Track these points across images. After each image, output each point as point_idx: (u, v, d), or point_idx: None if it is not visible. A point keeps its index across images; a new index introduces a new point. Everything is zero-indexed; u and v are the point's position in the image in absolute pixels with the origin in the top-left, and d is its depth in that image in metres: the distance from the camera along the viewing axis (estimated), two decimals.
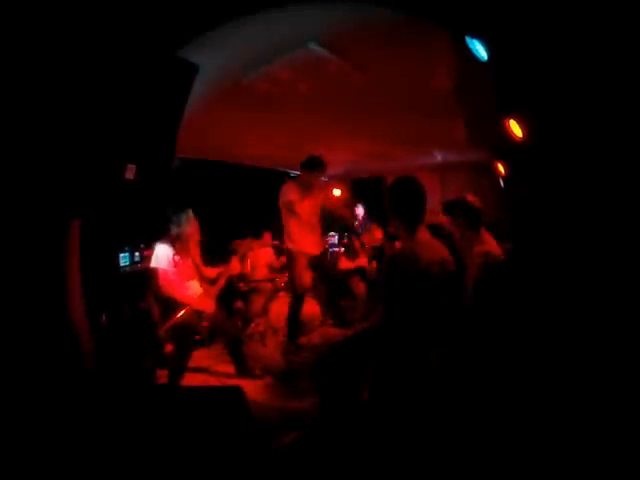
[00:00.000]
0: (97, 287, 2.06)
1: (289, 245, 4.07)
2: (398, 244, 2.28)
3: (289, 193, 3.90)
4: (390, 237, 3.59)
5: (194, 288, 3.44)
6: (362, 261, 5.37)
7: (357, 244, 5.63)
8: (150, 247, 3.53)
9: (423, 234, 2.07)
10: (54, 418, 1.64)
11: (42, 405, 1.64)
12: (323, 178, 3.93)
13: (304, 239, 4.00)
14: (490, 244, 2.79)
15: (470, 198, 2.93)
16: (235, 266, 3.96)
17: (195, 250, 3.52)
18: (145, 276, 3.52)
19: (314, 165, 3.88)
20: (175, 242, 3.29)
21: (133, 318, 3.15)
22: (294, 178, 4.44)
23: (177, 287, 3.27)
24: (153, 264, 3.25)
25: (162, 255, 3.25)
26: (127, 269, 3.65)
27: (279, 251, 5.46)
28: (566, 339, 1.80)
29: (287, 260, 4.24)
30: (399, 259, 2.08)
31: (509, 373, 1.97)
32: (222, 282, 3.61)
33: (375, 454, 1.95)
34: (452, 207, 3.04)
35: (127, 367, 2.35)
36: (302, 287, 4.12)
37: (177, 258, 3.27)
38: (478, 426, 1.89)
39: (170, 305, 3.27)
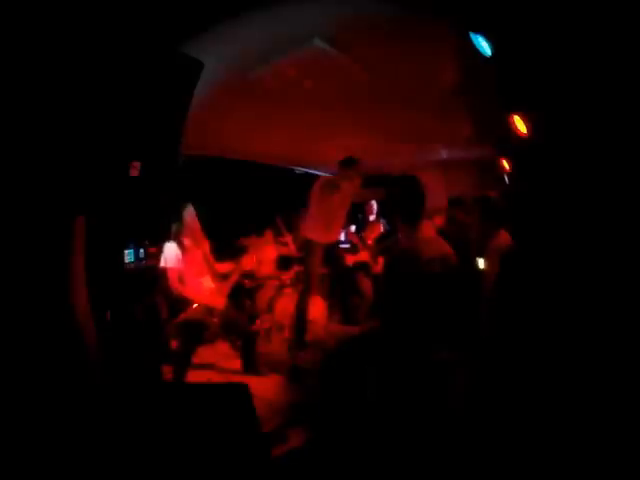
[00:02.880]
0: (102, 283, 2.07)
1: (308, 234, 4.28)
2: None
3: (328, 179, 4.32)
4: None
5: (205, 284, 3.46)
6: (363, 255, 5.34)
7: (355, 239, 5.63)
8: (154, 244, 3.54)
9: (425, 231, 2.07)
10: (57, 414, 1.65)
11: (45, 400, 1.65)
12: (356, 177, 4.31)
13: (326, 229, 4.25)
14: (505, 239, 2.78)
15: (493, 195, 2.95)
16: (247, 262, 4.00)
17: (206, 244, 3.54)
18: (151, 273, 3.55)
19: (351, 163, 4.23)
20: (180, 238, 3.32)
21: (138, 315, 3.17)
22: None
23: (188, 285, 3.30)
24: (162, 264, 3.28)
25: (170, 254, 3.28)
26: (132, 266, 3.67)
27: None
28: (566, 336, 1.80)
29: (304, 250, 4.46)
30: (400, 257, 2.08)
31: (516, 374, 1.97)
32: (235, 278, 3.66)
33: (379, 453, 1.95)
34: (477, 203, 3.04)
35: (132, 363, 2.37)
36: (314, 276, 4.33)
37: (186, 254, 3.30)
38: (483, 425, 1.89)
39: (180, 302, 3.30)
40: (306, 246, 4.36)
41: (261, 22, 2.35)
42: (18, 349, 1.65)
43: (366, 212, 6.07)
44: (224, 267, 3.68)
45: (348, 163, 4.22)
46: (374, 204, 6.07)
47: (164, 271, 3.24)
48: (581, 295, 1.79)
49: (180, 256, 3.27)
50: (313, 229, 4.25)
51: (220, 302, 3.39)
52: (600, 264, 1.76)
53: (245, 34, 2.46)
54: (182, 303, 3.29)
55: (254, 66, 2.89)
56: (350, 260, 5.22)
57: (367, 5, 2.27)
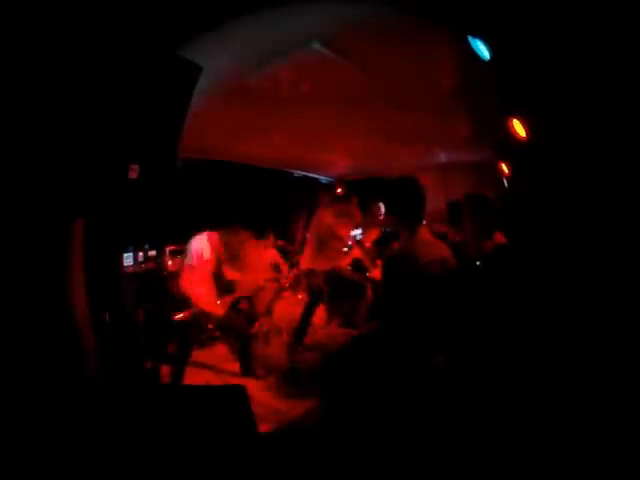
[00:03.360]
0: (100, 286, 2.07)
1: (309, 265, 4.61)
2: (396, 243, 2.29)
3: (327, 218, 4.55)
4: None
5: (210, 292, 3.50)
6: (356, 252, 5.30)
7: (352, 242, 5.60)
8: (153, 247, 3.57)
9: (424, 234, 2.07)
10: (54, 416, 1.65)
11: (43, 402, 1.65)
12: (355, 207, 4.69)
13: (327, 259, 4.55)
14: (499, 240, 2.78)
15: (486, 194, 2.96)
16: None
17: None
18: (151, 276, 3.57)
19: (347, 198, 4.64)
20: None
21: (139, 317, 3.19)
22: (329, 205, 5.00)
23: (195, 287, 3.34)
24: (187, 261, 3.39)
25: (192, 250, 3.39)
26: (131, 269, 3.68)
27: (284, 252, 5.48)
28: (564, 336, 1.80)
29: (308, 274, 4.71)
30: (397, 259, 2.08)
31: (511, 371, 1.97)
32: (237, 295, 3.78)
33: (377, 455, 1.95)
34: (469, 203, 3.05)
35: (130, 366, 2.37)
36: (318, 291, 4.56)
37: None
38: (480, 427, 1.89)
39: (181, 302, 3.33)
40: (309, 272, 4.62)
41: (260, 25, 2.35)
42: (16, 350, 1.65)
43: (374, 215, 6.10)
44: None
45: (344, 198, 4.61)
46: (381, 206, 6.06)
47: (175, 270, 3.33)
48: (577, 296, 1.79)
49: (200, 254, 3.33)
50: (311, 259, 4.57)
51: (219, 312, 3.42)
52: (599, 266, 1.76)
53: (243, 37, 2.46)
54: (183, 303, 3.31)
55: (253, 69, 2.89)
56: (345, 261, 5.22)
57: (366, 8, 2.28)
